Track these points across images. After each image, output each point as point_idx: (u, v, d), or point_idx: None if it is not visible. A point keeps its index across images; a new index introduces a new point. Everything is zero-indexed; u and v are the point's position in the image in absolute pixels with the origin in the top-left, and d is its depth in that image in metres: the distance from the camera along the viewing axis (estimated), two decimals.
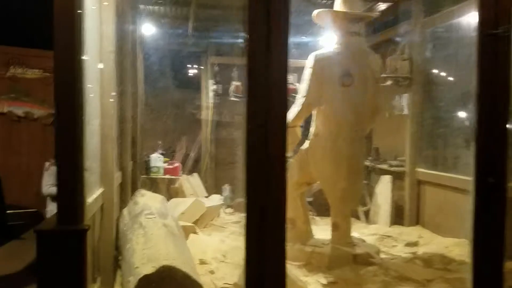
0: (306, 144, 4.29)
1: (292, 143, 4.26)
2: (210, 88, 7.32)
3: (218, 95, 7.33)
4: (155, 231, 3.39)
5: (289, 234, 4.26)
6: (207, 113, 7.36)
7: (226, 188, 7.06)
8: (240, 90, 7.01)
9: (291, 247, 4.07)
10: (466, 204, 4.62)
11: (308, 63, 4.10)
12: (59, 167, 2.33)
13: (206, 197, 5.93)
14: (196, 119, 7.46)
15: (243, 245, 2.26)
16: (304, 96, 4.07)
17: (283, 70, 2.25)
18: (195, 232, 4.73)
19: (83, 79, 2.42)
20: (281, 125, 2.27)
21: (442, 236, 4.94)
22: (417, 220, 5.48)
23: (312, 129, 4.27)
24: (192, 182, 5.96)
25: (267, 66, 2.23)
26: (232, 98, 7.00)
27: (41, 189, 4.96)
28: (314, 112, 4.24)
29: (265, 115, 2.23)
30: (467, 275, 3.75)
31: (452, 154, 5.10)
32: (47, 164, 4.89)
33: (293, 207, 4.28)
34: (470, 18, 4.75)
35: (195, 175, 6.26)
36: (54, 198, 4.25)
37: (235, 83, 7.12)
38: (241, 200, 6.41)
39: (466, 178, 4.73)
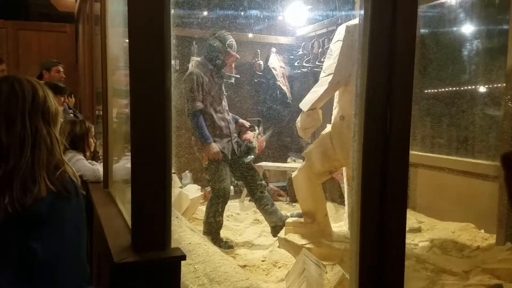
0: (328, 129, 3.81)
1: (312, 127, 3.80)
2: None
3: (175, 72, 6.58)
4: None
5: (310, 229, 3.85)
6: None
7: (187, 175, 6.37)
8: None
9: (318, 245, 3.63)
10: (463, 186, 4.60)
11: (338, 36, 3.60)
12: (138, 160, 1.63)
13: (180, 187, 5.22)
14: None
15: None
16: (332, 74, 3.58)
17: None
18: None
19: None
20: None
21: (438, 220, 4.84)
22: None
23: (335, 111, 3.79)
24: None
25: None
26: None
27: None
28: (336, 93, 3.78)
29: None
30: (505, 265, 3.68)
31: (446, 135, 4.99)
32: None
33: (314, 199, 3.82)
34: None
35: None
36: None
37: (196, 59, 6.43)
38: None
39: (462, 159, 4.74)
